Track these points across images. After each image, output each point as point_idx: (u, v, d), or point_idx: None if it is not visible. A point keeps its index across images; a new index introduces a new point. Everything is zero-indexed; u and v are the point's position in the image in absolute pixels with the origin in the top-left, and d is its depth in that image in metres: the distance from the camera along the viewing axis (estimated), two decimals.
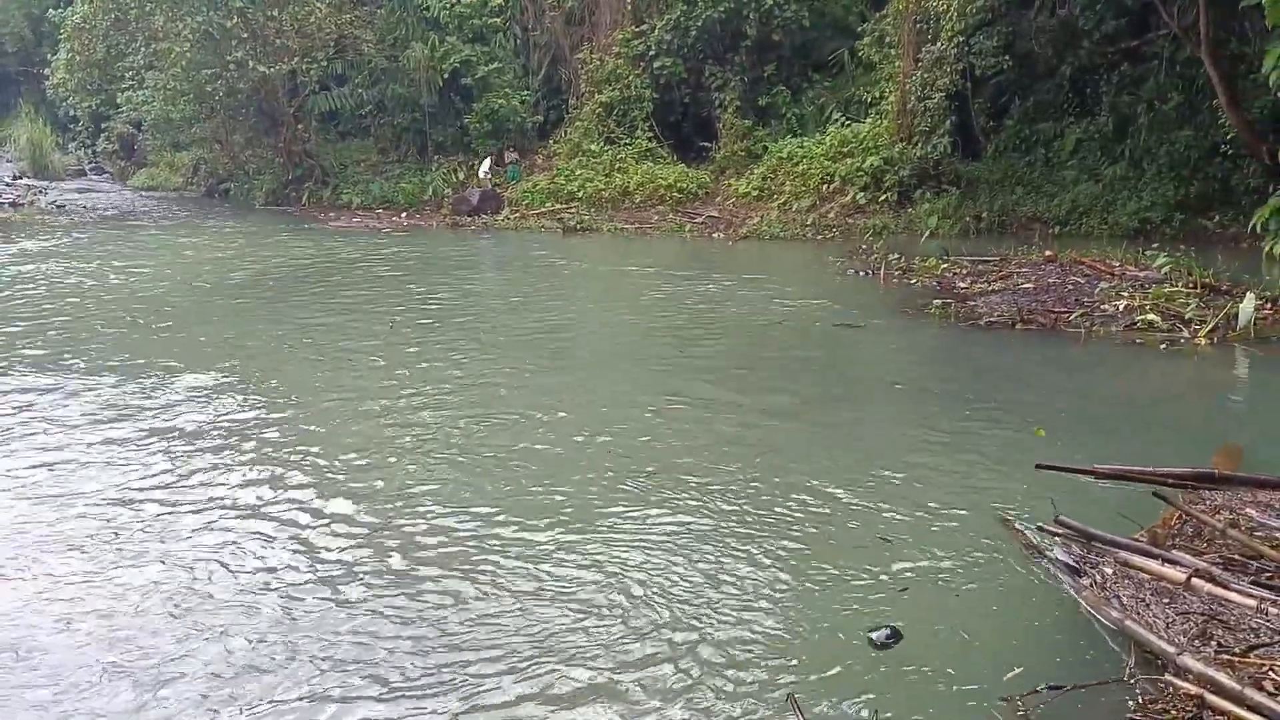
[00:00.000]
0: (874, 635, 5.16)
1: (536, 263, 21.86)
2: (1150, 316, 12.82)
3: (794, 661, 4.97)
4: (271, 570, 6.11)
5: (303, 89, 34.10)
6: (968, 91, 24.74)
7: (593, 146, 30.66)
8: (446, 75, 32.16)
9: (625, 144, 30.61)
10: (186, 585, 5.89)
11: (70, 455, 8.23)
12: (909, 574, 5.90)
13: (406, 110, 33.82)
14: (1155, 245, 17.90)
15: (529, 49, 34.16)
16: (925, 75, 23.53)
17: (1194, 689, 4.26)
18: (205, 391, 10.21)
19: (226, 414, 9.44)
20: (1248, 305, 12.28)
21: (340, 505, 7.14)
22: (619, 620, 5.37)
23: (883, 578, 5.84)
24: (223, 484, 7.60)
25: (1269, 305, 13.00)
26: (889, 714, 4.48)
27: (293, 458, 8.21)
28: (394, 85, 33.23)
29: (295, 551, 6.38)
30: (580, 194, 29.24)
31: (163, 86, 33.84)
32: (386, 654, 5.08)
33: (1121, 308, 13.28)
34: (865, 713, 4.50)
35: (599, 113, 31.06)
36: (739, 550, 6.25)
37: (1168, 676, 4.44)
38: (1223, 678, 4.23)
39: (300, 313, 15.13)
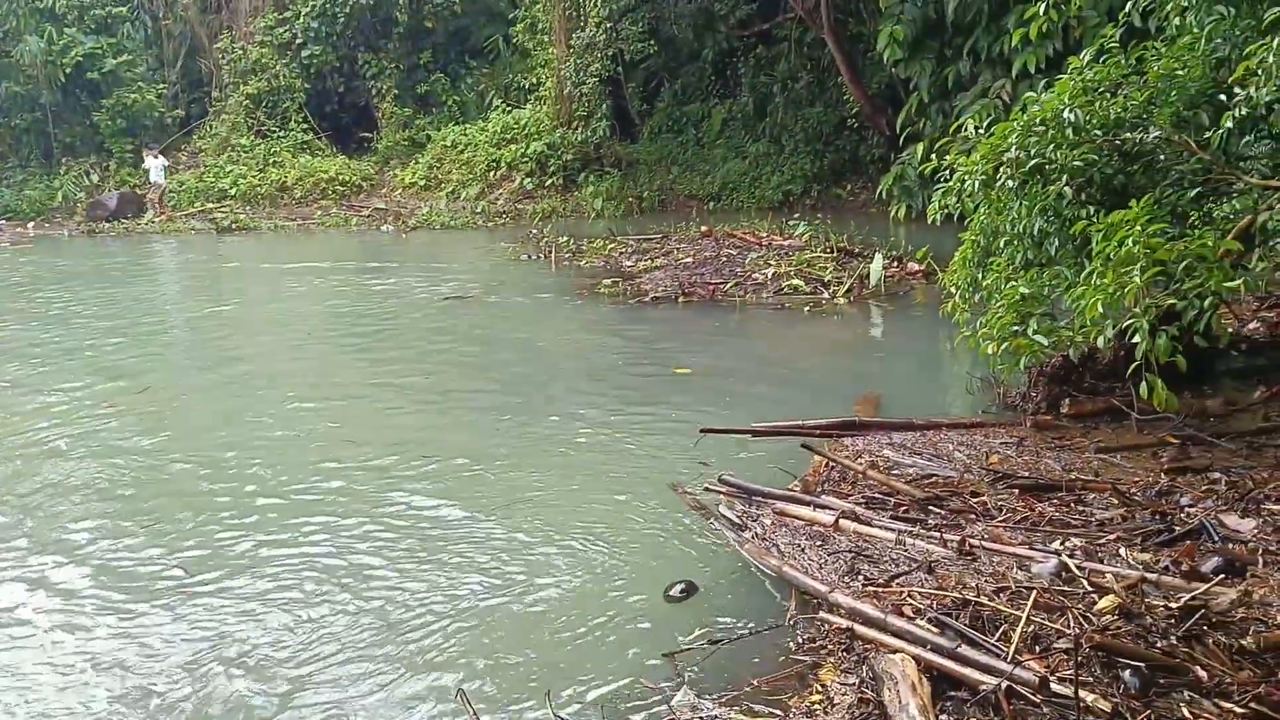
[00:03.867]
0: (671, 591, 5.23)
1: (190, 267, 20.43)
2: (795, 282, 13.79)
3: (455, 640, 4.89)
4: None
5: None
6: (620, 76, 25.55)
7: (243, 141, 29.08)
8: (69, 70, 29.30)
9: (279, 137, 29.27)
10: None
11: None
12: (581, 541, 5.97)
13: (25, 110, 30.50)
14: (797, 215, 19.28)
15: (162, 39, 31.81)
16: (578, 61, 24.06)
17: (844, 622, 4.58)
18: None
19: None
20: (877, 265, 13.50)
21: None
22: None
23: (558, 554, 5.88)
24: None
25: (896, 264, 14.34)
26: (555, 685, 4.49)
27: None
28: (8, 83, 29.85)
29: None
30: (233, 191, 27.67)
31: None
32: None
33: (770, 275, 14.19)
34: (534, 684, 4.50)
35: (247, 105, 29.49)
36: (401, 544, 6.10)
37: (822, 614, 4.75)
38: (867, 608, 4.56)
39: None
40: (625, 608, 5.23)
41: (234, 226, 25.40)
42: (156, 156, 28.04)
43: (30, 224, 27.94)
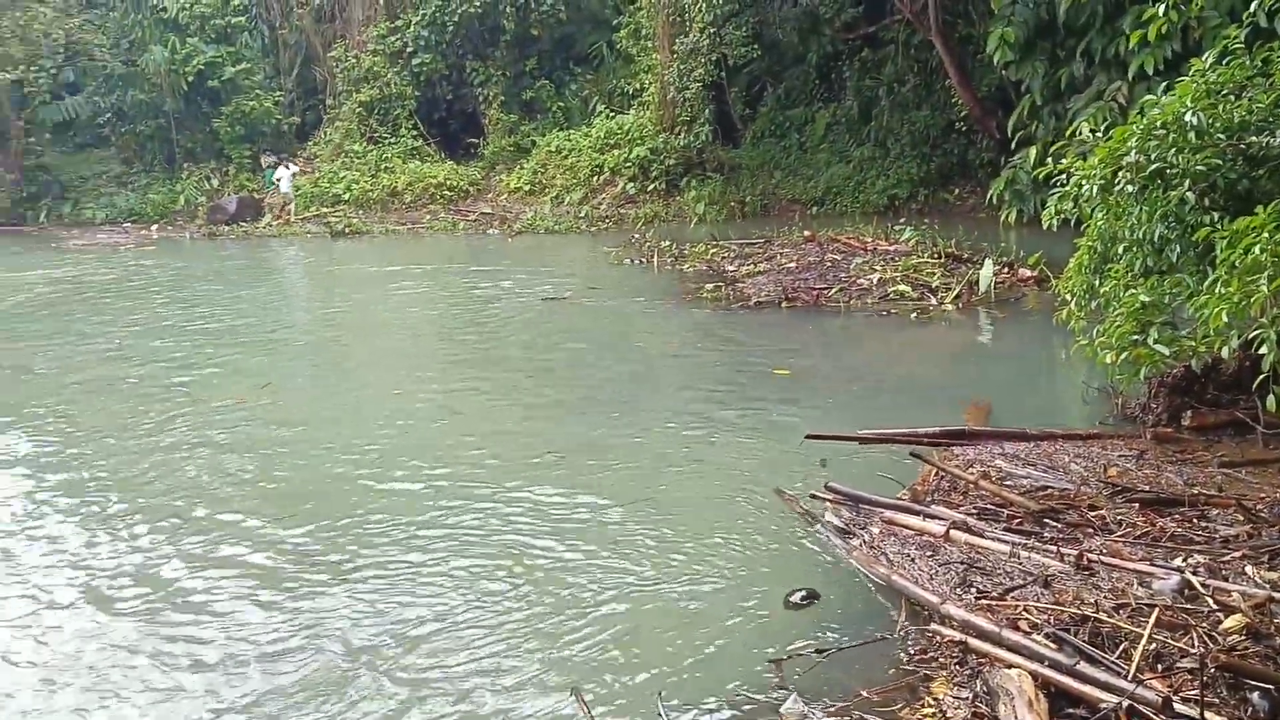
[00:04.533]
0: (792, 597, 5.24)
1: (306, 269, 21.11)
2: (901, 287, 13.60)
3: (564, 649, 4.95)
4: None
5: (31, 99, 31.50)
6: (724, 81, 25.52)
7: (355, 147, 29.86)
8: (191, 79, 30.48)
9: (390, 143, 29.97)
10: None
11: None
12: (690, 542, 6.01)
13: (150, 117, 31.84)
14: (902, 220, 18.99)
15: (278, 48, 32.87)
16: (681, 66, 24.09)
17: (957, 635, 4.52)
18: (9, 435, 9.12)
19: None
20: (986, 271, 13.23)
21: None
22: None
23: (670, 554, 5.92)
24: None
25: (1006, 269, 14.03)
26: (666, 687, 4.53)
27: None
28: (134, 91, 31.20)
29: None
30: (346, 196, 28.39)
31: None
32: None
33: (875, 281, 14.02)
34: (644, 683, 4.54)
35: (359, 112, 30.26)
36: (526, 534, 6.21)
37: (934, 626, 4.69)
38: (982, 621, 4.50)
39: (63, 337, 13.96)
40: (733, 611, 5.24)
41: (347, 230, 26.09)
42: (287, 166, 28.84)
43: (154, 226, 29.11)
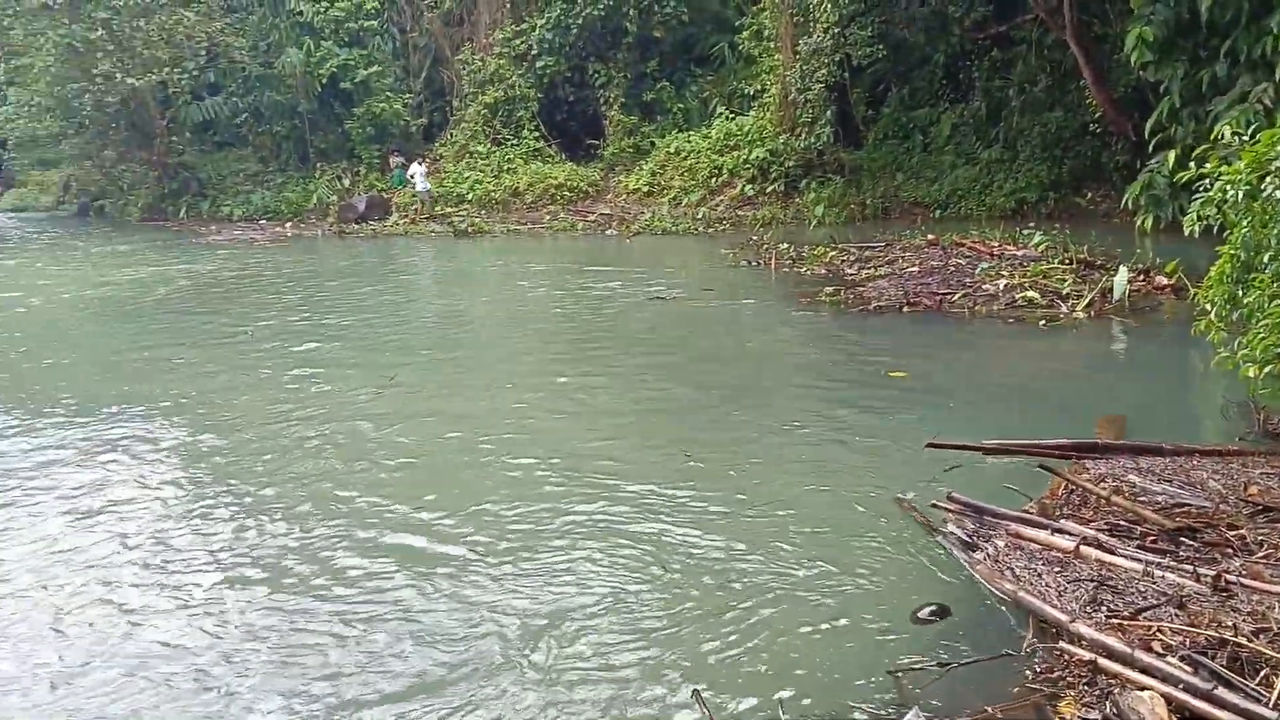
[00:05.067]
0: (920, 613, 5.18)
1: (431, 267, 21.62)
2: (1029, 294, 13.22)
3: (686, 647, 4.97)
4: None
5: (175, 100, 33.10)
6: (846, 81, 25.20)
7: (479, 148, 30.46)
8: (325, 80, 31.56)
9: (512, 144, 30.48)
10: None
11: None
12: (803, 555, 5.96)
13: (285, 117, 33.08)
14: (1031, 224, 18.49)
15: (408, 51, 33.74)
16: (804, 67, 23.89)
17: (1087, 655, 4.39)
18: (156, 424, 9.54)
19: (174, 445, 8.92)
20: (1121, 278, 12.76)
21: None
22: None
23: (790, 558, 5.89)
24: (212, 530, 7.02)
25: (1141, 277, 13.52)
26: (784, 694, 4.51)
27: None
28: (270, 92, 32.45)
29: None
30: (470, 196, 29.01)
31: (26, 103, 32.54)
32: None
33: (1002, 286, 13.66)
34: (764, 688, 4.54)
35: (484, 114, 30.86)
36: (647, 533, 6.25)
37: (1062, 644, 4.56)
38: (1114, 641, 4.36)
39: (202, 329, 14.64)
40: (852, 621, 5.19)
41: (470, 230, 26.64)
42: (420, 163, 29.57)
43: (288, 224, 30.22)
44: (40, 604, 5.84)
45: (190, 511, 7.23)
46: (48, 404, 10.33)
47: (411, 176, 29.31)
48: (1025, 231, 16.91)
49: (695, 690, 4.52)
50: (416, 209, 28.79)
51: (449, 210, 28.49)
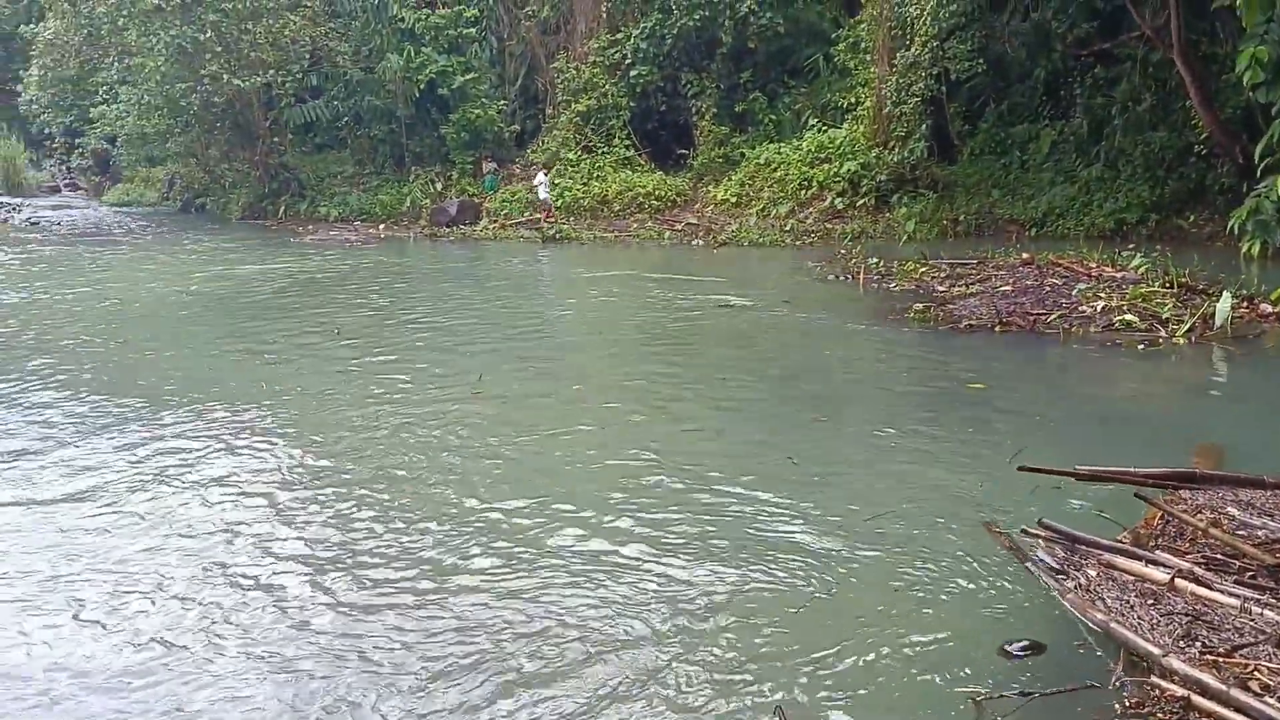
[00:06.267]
0: (1010, 647, 5.07)
1: (519, 272, 21.85)
2: (1128, 317, 12.86)
3: (776, 667, 4.93)
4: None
5: (278, 101, 34.01)
6: (943, 96, 24.82)
7: (570, 155, 30.67)
8: (423, 86, 32.13)
9: (603, 152, 30.64)
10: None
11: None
12: (889, 578, 5.87)
13: (383, 122, 33.77)
14: (1131, 246, 17.99)
15: (505, 59, 34.19)
16: (900, 80, 23.61)
17: (1180, 690, 4.24)
18: (239, 424, 9.75)
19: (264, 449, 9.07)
20: (1224, 304, 12.33)
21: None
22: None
23: (870, 577, 5.81)
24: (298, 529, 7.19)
25: (1245, 304, 13.06)
26: (863, 710, 4.46)
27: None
28: (370, 97, 33.16)
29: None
30: (559, 203, 29.20)
31: (136, 101, 33.74)
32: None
33: (1099, 308, 13.30)
34: (842, 708, 4.49)
35: (576, 121, 31.07)
36: (721, 553, 6.23)
37: (1153, 678, 4.41)
38: (1208, 678, 4.20)
39: (301, 327, 15.05)
40: (937, 644, 5.10)
41: (558, 236, 26.84)
42: (546, 172, 29.24)
43: (381, 225, 30.83)
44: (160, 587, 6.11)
45: (293, 509, 7.42)
46: (155, 396, 10.74)
47: (537, 184, 28.99)
48: (1125, 253, 16.46)
49: (778, 707, 4.50)
50: (545, 214, 28.57)
51: (538, 216, 28.74)
